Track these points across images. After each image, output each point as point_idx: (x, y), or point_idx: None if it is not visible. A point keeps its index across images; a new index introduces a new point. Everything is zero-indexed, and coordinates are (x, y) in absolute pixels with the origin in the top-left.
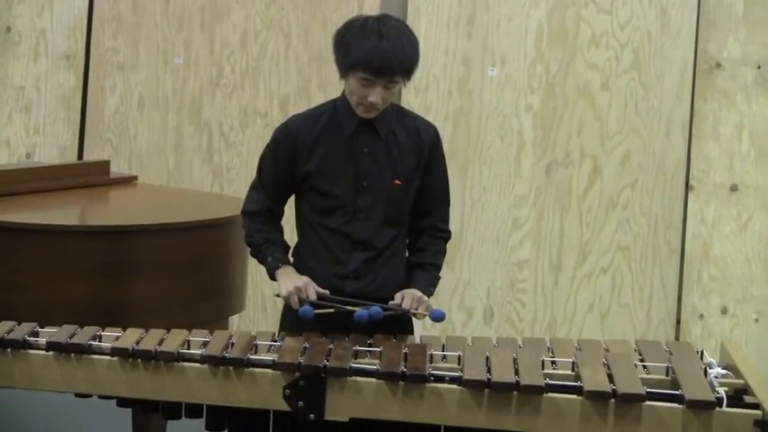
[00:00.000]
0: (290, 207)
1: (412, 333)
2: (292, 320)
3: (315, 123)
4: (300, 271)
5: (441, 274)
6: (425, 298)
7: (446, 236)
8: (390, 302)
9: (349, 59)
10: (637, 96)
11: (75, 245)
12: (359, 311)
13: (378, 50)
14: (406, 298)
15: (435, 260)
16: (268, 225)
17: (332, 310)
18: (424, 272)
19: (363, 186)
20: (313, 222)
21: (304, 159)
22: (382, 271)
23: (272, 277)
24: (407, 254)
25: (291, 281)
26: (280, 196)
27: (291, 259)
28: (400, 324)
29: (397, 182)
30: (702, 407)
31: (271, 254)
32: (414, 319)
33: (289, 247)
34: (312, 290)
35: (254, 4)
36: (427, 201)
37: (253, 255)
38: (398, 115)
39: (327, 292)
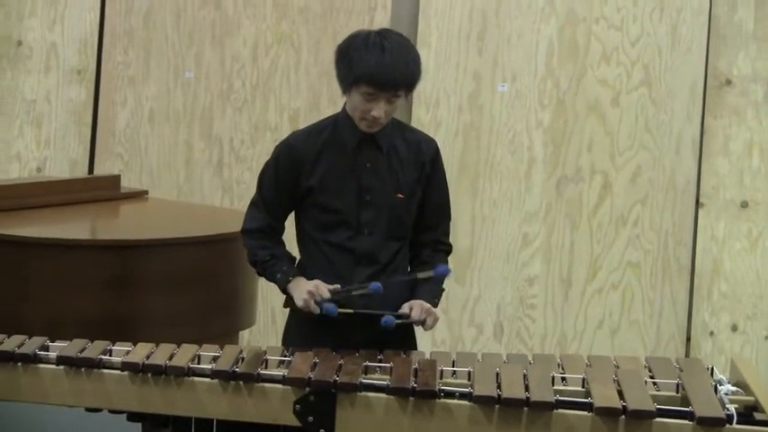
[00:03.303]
0: (290, 225)
1: (416, 349)
2: (295, 334)
3: (316, 139)
4: None
5: (448, 289)
6: (433, 309)
7: (448, 249)
8: (399, 311)
9: (352, 74)
10: (647, 112)
11: (86, 259)
12: (387, 318)
13: (381, 65)
14: (415, 308)
15: None
16: (270, 241)
17: (351, 311)
18: (429, 283)
19: (366, 201)
20: (316, 239)
21: (306, 175)
22: (386, 286)
23: (285, 291)
24: (410, 268)
25: (303, 288)
26: (280, 213)
27: None
28: (405, 341)
29: (400, 196)
30: (712, 424)
31: (279, 269)
32: (415, 336)
33: (295, 259)
34: (324, 288)
35: (264, 18)
36: (429, 215)
37: (260, 273)
38: (399, 129)
39: (338, 286)
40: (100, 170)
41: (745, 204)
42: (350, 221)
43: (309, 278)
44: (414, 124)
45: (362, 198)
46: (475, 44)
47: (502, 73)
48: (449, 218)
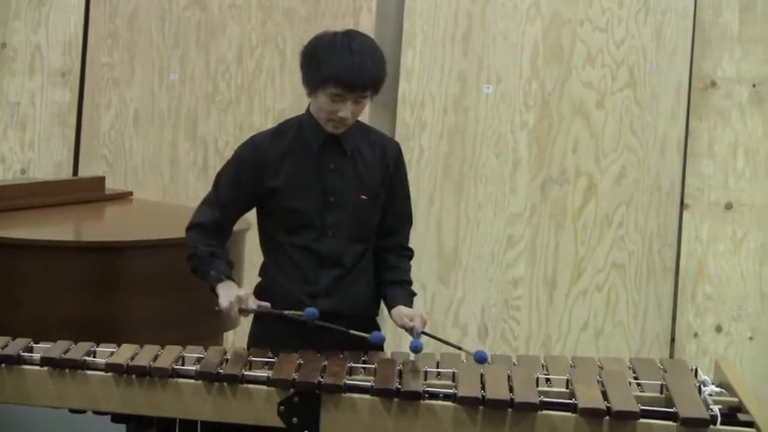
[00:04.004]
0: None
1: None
2: (261, 339)
3: (281, 140)
4: (270, 290)
5: (433, 290)
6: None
7: (411, 254)
8: (406, 325)
9: (320, 75)
10: (632, 114)
11: (70, 261)
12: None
13: (349, 65)
14: (417, 320)
15: (408, 278)
16: (215, 240)
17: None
18: (403, 289)
19: (330, 202)
20: (281, 241)
21: (270, 176)
22: (352, 289)
23: (213, 290)
24: (377, 273)
25: (232, 292)
26: (234, 214)
27: (260, 279)
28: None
29: (364, 197)
30: (696, 424)
31: (214, 267)
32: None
33: (233, 264)
34: (252, 300)
35: (249, 20)
36: (391, 220)
37: (193, 268)
38: (362, 131)
39: (268, 304)
40: (84, 172)
41: (729, 206)
42: (314, 223)
43: (276, 280)
44: (398, 126)
45: (327, 200)
46: (460, 46)
47: (487, 75)
48: (410, 223)
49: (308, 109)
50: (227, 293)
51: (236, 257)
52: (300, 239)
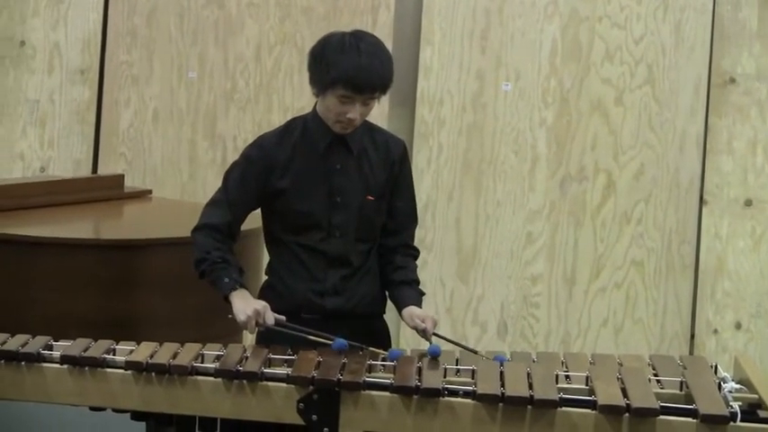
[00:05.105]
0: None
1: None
2: (270, 340)
3: (288, 141)
4: (278, 288)
5: (452, 287)
6: (437, 319)
7: (417, 254)
8: (418, 326)
9: (328, 77)
10: (651, 111)
11: (89, 259)
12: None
13: (358, 67)
14: (428, 321)
15: (416, 277)
16: (225, 245)
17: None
18: (412, 290)
19: (337, 203)
20: (287, 241)
21: (277, 177)
22: (359, 288)
23: (225, 298)
24: (384, 274)
25: (249, 304)
26: (242, 215)
27: (266, 277)
28: (380, 341)
29: (370, 197)
30: (716, 421)
31: (228, 274)
32: (390, 336)
33: (244, 271)
34: (270, 314)
35: (268, 18)
36: (396, 219)
37: (202, 273)
38: (368, 130)
39: (284, 318)
40: (103, 170)
41: (748, 203)
42: (321, 224)
43: (283, 278)
44: (417, 123)
45: (334, 200)
46: (478, 43)
47: (505, 72)
48: (415, 222)
49: (314, 108)
50: (243, 305)
51: (257, 255)
52: (307, 239)
